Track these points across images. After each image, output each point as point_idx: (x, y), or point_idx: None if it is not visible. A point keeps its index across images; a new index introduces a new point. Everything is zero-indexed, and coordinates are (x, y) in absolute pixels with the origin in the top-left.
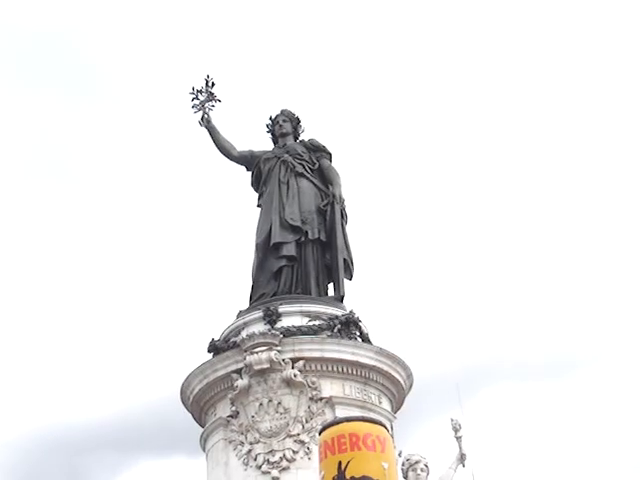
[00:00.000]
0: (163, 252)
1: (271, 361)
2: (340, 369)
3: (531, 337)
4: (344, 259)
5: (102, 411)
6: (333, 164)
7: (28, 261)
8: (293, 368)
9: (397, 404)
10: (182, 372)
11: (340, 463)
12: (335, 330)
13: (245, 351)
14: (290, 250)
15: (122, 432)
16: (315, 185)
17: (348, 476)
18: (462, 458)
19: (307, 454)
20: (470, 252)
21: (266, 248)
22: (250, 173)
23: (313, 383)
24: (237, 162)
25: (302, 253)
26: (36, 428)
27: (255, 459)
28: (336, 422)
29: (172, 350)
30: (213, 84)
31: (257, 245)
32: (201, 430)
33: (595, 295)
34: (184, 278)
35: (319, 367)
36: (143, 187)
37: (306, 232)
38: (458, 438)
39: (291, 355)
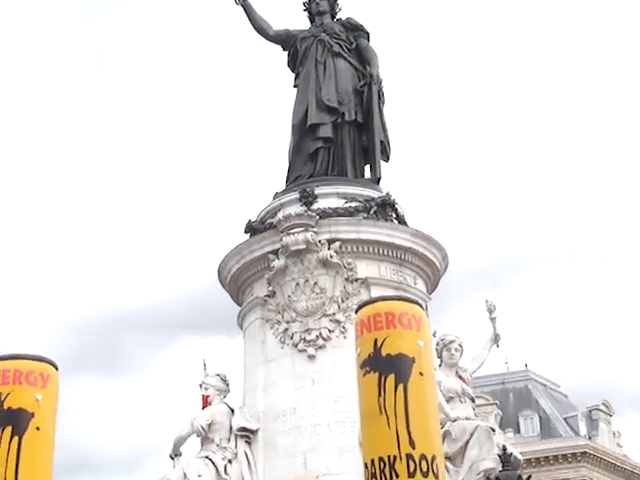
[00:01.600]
0: (200, 134)
1: (307, 242)
2: (376, 250)
3: (563, 225)
4: (381, 141)
5: (142, 294)
6: (370, 44)
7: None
8: (329, 249)
9: (432, 285)
10: (220, 254)
11: (376, 340)
12: (371, 212)
13: (281, 232)
14: (326, 131)
15: (162, 313)
16: (352, 65)
17: (384, 353)
18: (496, 339)
19: (342, 333)
20: (509, 137)
21: (302, 129)
22: (286, 53)
23: (349, 264)
24: (273, 41)
25: (339, 134)
26: (81, 313)
27: (291, 337)
28: (372, 301)
29: (210, 233)
30: None
31: (293, 126)
32: (239, 309)
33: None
34: (221, 161)
35: (355, 248)
36: (183, 69)
37: (343, 113)
38: (492, 319)
39: (327, 236)
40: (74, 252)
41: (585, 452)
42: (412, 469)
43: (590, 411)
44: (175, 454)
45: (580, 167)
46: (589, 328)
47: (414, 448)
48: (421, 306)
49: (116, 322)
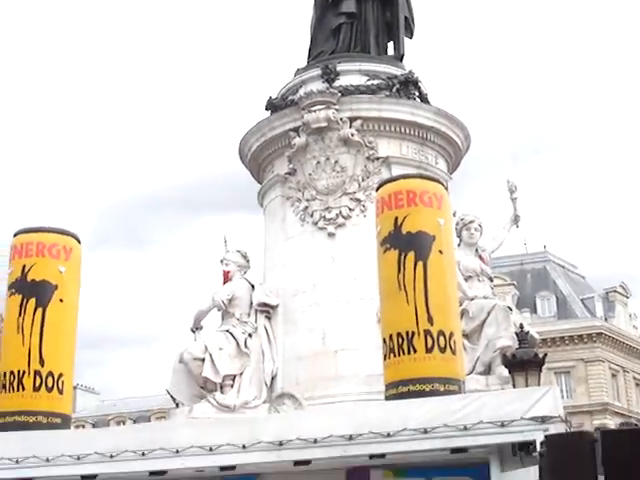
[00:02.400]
0: (223, 12)
1: (329, 120)
2: (398, 129)
3: (584, 107)
4: (405, 17)
5: (165, 175)
6: None
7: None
8: (350, 127)
9: (453, 165)
10: (241, 132)
11: (397, 218)
12: (394, 90)
13: (303, 109)
14: (350, 6)
15: (184, 193)
16: None
17: (404, 231)
18: (516, 219)
19: (362, 212)
20: (537, 12)
21: (325, 4)
22: None
23: (370, 143)
24: None
25: (362, 10)
26: (108, 193)
27: (312, 215)
28: (394, 179)
29: (232, 112)
30: None
31: (315, 1)
32: (259, 187)
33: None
34: (242, 38)
35: (376, 127)
36: None
37: None
38: (513, 199)
39: (349, 114)
40: (101, 135)
41: (601, 333)
42: (430, 345)
43: (607, 293)
44: (196, 327)
45: (606, 43)
46: (609, 210)
47: (432, 324)
48: (442, 184)
49: (141, 202)
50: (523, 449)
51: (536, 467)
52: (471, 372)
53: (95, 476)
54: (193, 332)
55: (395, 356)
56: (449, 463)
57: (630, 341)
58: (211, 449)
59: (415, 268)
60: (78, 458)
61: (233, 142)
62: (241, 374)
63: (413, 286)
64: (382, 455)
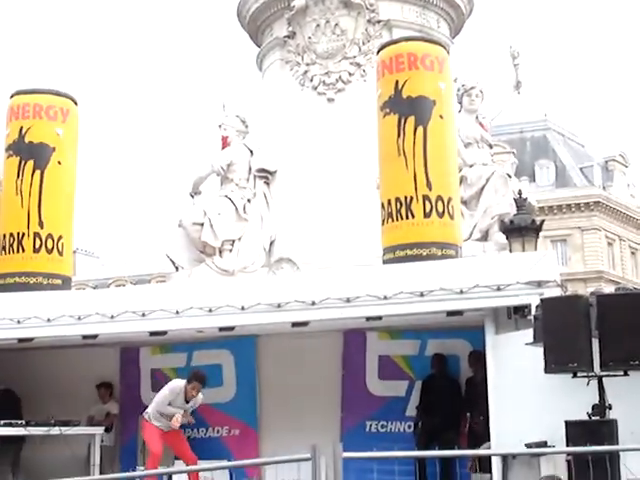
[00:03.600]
0: None
1: None
2: None
3: None
4: None
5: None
6: None
7: None
8: None
9: (456, 29)
10: None
11: (397, 82)
12: None
13: None
14: None
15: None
16: None
17: (404, 95)
18: (517, 86)
19: (363, 76)
20: None
21: None
22: None
23: (371, 5)
24: None
25: None
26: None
27: (311, 80)
28: (394, 41)
29: None
30: None
31: None
32: (258, 50)
33: None
34: None
35: None
36: None
37: None
38: (515, 65)
39: None
40: None
41: (599, 202)
42: (428, 209)
43: (606, 161)
44: (195, 193)
45: None
46: (611, 79)
47: (431, 190)
48: (445, 48)
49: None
50: (518, 312)
51: (530, 330)
52: (468, 238)
53: (96, 336)
54: (192, 197)
55: (393, 221)
56: (444, 326)
57: (627, 210)
58: (210, 310)
59: (415, 133)
60: (79, 318)
61: (232, 4)
62: (240, 239)
63: (413, 151)
64: (378, 317)
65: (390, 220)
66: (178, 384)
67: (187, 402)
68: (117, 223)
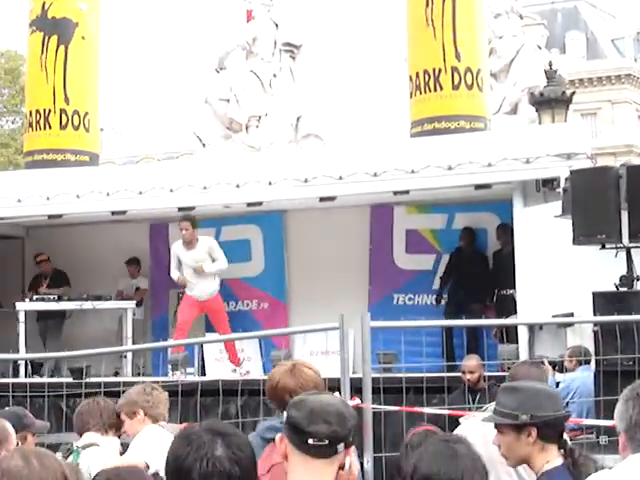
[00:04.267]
0: None
1: None
2: None
3: None
4: None
5: None
6: None
7: None
8: None
9: None
10: None
11: None
12: None
13: None
14: None
15: None
16: None
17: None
18: None
19: None
20: None
21: None
22: None
23: None
24: None
25: None
26: None
27: None
28: None
29: None
30: None
31: None
32: None
33: None
34: None
35: None
36: None
37: None
38: None
39: None
40: None
41: (630, 74)
42: (457, 81)
43: (638, 33)
44: (220, 68)
45: None
46: None
47: (459, 61)
48: None
49: None
50: (547, 185)
51: (559, 202)
52: (497, 111)
53: (124, 212)
54: (217, 73)
55: (421, 93)
56: (472, 199)
57: None
58: (238, 185)
59: (444, 3)
60: (107, 194)
61: None
62: (266, 114)
63: (441, 21)
64: (406, 191)
65: (418, 93)
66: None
67: (188, 250)
68: (143, 100)
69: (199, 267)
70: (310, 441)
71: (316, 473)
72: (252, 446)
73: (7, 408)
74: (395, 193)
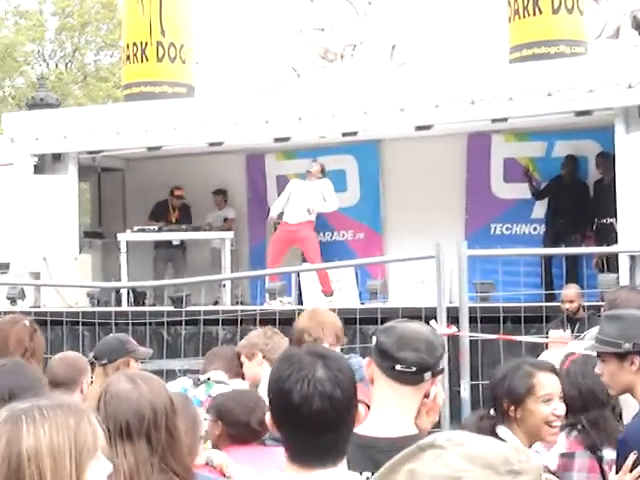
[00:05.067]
0: None
1: None
2: None
3: None
4: None
5: None
6: None
7: None
8: None
9: None
10: None
11: None
12: None
13: None
14: None
15: None
16: None
17: None
18: None
19: None
20: None
21: None
22: None
23: None
24: None
25: None
26: None
27: None
28: None
29: None
30: None
31: None
32: None
33: None
34: None
35: None
36: None
37: None
38: None
39: None
40: None
41: None
42: (557, 5)
43: None
44: None
45: None
46: None
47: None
48: None
49: None
50: None
51: None
52: (599, 36)
53: (221, 143)
54: (311, 2)
55: (520, 18)
56: (572, 127)
57: None
58: (333, 115)
59: None
60: (205, 126)
61: None
62: (362, 43)
63: None
64: (504, 119)
65: (517, 17)
66: None
67: (304, 187)
68: (237, 32)
69: (310, 208)
70: (398, 367)
71: (401, 398)
72: (352, 369)
73: (110, 335)
74: (493, 121)
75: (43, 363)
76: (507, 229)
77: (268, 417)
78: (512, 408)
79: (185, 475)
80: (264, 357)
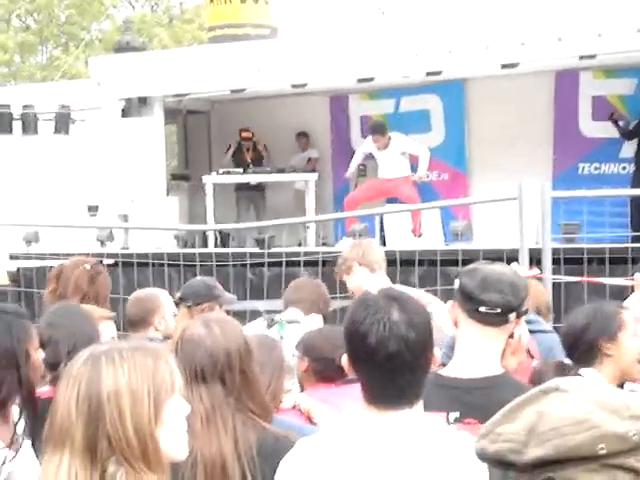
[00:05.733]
0: None
1: None
2: None
3: None
4: None
5: None
6: None
7: None
8: None
9: None
10: None
11: None
12: None
13: None
14: None
15: None
16: None
17: None
18: None
19: None
20: None
21: None
22: None
23: None
24: None
25: None
26: None
27: None
28: None
29: None
30: None
31: None
32: None
33: None
34: None
35: None
36: None
37: None
38: None
39: None
40: None
41: None
42: None
43: None
44: None
45: None
46: None
47: None
48: None
49: None
50: None
51: None
52: None
53: (304, 85)
54: None
55: None
56: None
57: None
58: (417, 54)
59: None
60: (288, 68)
61: None
62: None
63: None
64: (592, 56)
65: None
66: None
67: (381, 151)
68: None
69: (417, 178)
70: (482, 309)
71: (485, 340)
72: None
73: (198, 277)
74: (581, 58)
75: (109, 305)
76: (595, 169)
77: (344, 359)
78: (608, 345)
79: (263, 414)
80: (360, 264)
